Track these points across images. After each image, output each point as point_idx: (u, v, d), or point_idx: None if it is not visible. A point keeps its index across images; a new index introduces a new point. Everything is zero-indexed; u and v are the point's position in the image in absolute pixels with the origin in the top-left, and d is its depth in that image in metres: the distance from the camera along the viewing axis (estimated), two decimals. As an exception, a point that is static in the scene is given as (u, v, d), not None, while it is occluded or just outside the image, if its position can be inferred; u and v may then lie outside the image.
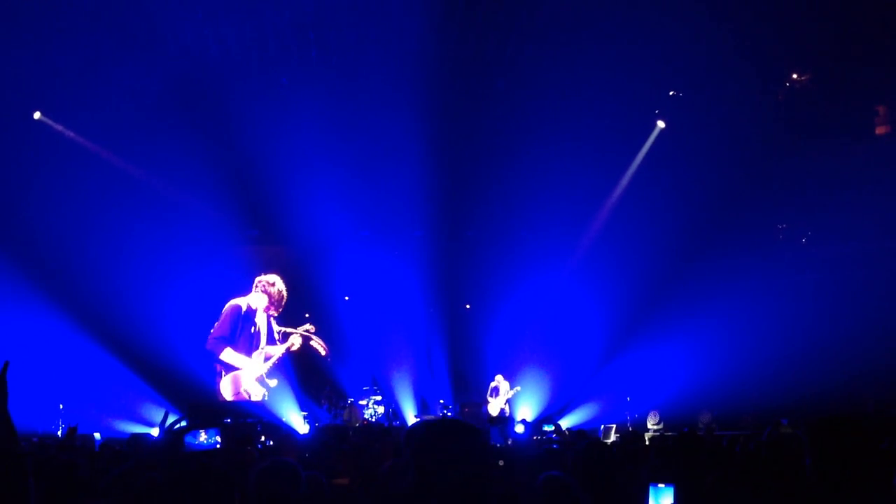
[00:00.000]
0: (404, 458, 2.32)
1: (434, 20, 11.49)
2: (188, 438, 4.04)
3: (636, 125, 14.54)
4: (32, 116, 12.67)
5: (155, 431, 4.83)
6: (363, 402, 14.15)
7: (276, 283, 10.32)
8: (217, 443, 4.13)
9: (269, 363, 9.60)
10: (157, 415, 8.51)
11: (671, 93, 13.70)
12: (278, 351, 9.89)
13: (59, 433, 10.93)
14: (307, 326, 10.37)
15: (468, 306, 16.66)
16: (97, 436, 9.14)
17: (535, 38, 12.30)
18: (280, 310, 10.41)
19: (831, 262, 14.01)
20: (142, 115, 12.12)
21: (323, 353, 10.14)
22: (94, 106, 12.27)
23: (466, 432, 2.41)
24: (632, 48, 12.26)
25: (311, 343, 10.09)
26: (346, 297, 15.90)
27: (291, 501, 3.38)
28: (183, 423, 3.94)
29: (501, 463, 4.40)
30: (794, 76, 13.34)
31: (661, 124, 14.38)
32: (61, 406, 11.76)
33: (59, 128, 12.72)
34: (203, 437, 4.23)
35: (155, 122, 12.16)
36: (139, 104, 11.98)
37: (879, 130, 14.40)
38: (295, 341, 10.17)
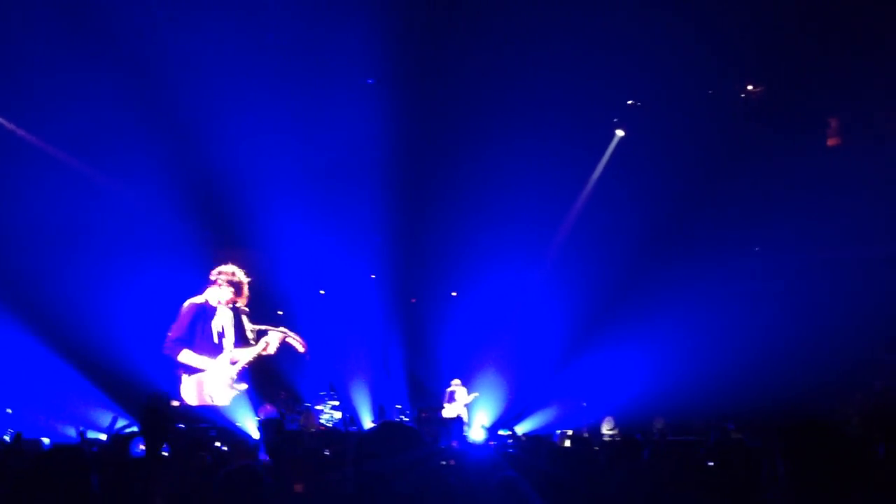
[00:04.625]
0: (349, 464, 2.34)
1: (394, 25, 11.46)
2: (132, 447, 3.99)
3: (599, 133, 14.66)
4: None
5: (103, 436, 4.76)
6: (320, 408, 14.08)
7: (235, 272, 9.40)
8: (165, 449, 4.07)
9: (237, 367, 8.94)
10: (106, 419, 8.34)
11: (629, 102, 13.85)
12: (248, 355, 9.11)
13: (7, 438, 10.67)
14: (282, 330, 9.46)
15: (413, 300, 16.68)
16: (45, 441, 8.94)
17: (496, 44, 12.33)
18: (248, 299, 9.54)
19: (783, 272, 14.30)
20: (96, 113, 11.86)
21: (302, 350, 9.47)
22: (45, 105, 11.97)
23: (402, 434, 2.43)
24: (593, 57, 12.36)
25: (288, 340, 9.34)
26: (322, 292, 15.83)
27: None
28: (133, 429, 3.89)
29: (453, 462, 4.43)
30: (749, 88, 13.56)
31: (620, 133, 14.53)
32: (9, 411, 11.48)
33: (10, 126, 12.41)
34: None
35: (110, 122, 11.91)
36: (92, 102, 11.72)
37: (831, 142, 14.70)
38: (271, 341, 9.26)
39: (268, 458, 5.16)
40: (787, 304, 13.54)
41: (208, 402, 8.92)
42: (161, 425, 4.11)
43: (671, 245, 14.27)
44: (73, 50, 11.02)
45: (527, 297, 15.75)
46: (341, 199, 14.74)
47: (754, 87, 13.66)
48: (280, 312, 13.70)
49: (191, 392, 8.90)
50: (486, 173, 14.26)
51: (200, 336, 8.97)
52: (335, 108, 13.00)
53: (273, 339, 9.26)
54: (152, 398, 4.22)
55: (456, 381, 14.75)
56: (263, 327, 9.43)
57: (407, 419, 14.30)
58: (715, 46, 12.03)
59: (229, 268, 9.45)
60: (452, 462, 4.44)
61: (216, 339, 9.09)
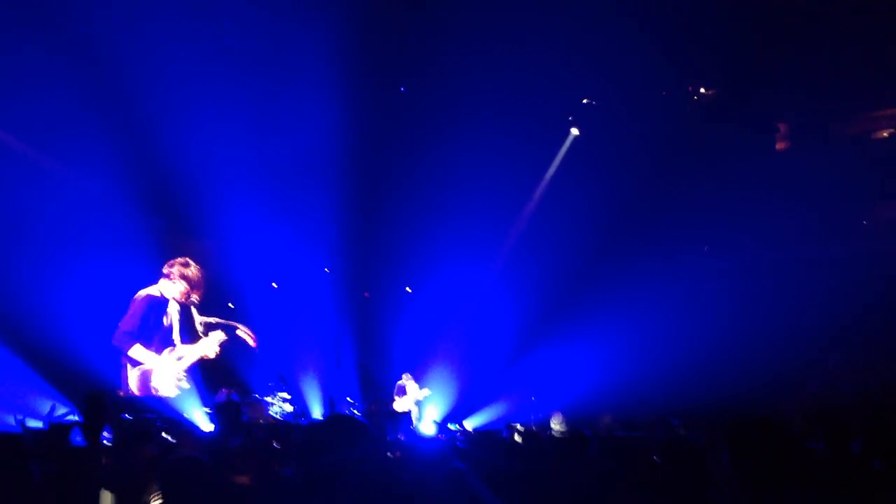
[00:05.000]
0: (296, 455, 2.34)
1: (352, 21, 11.40)
2: (73, 436, 3.92)
3: (553, 131, 14.76)
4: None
5: (41, 424, 4.67)
6: (269, 399, 13.94)
7: (190, 264, 9.08)
8: (101, 440, 4.00)
9: (183, 363, 8.72)
10: (45, 407, 8.13)
11: (584, 101, 13.97)
12: (195, 352, 8.84)
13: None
14: (219, 336, 9.09)
15: (367, 294, 16.66)
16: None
17: (452, 42, 12.34)
18: (202, 292, 9.18)
19: (731, 272, 14.58)
20: (49, 101, 11.58)
21: (252, 344, 9.22)
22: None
23: (351, 427, 2.43)
24: (548, 55, 12.44)
25: (238, 333, 9.08)
26: (274, 285, 15.68)
27: (198, 498, 3.32)
28: (72, 417, 3.81)
29: (398, 454, 4.44)
30: (702, 90, 13.78)
31: (574, 131, 14.65)
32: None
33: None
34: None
35: (63, 110, 11.63)
36: (45, 90, 11.44)
37: (779, 146, 15.02)
38: (209, 347, 8.94)
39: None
40: (734, 304, 13.82)
41: (153, 394, 8.73)
42: (101, 415, 4.04)
43: (622, 244, 14.46)
44: (27, 35, 10.77)
45: (479, 293, 15.83)
46: (296, 193, 14.64)
47: (706, 90, 13.89)
48: (231, 305, 13.55)
49: (136, 383, 8.68)
50: (442, 170, 14.29)
51: (152, 329, 8.71)
52: (291, 102, 12.89)
53: (213, 343, 8.93)
54: (95, 389, 4.14)
55: (407, 375, 14.72)
56: (213, 320, 9.15)
57: (357, 412, 14.25)
58: (669, 47, 12.19)
59: (184, 261, 9.08)
60: (398, 454, 4.44)
61: (166, 333, 8.86)
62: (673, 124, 13.70)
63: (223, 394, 11.61)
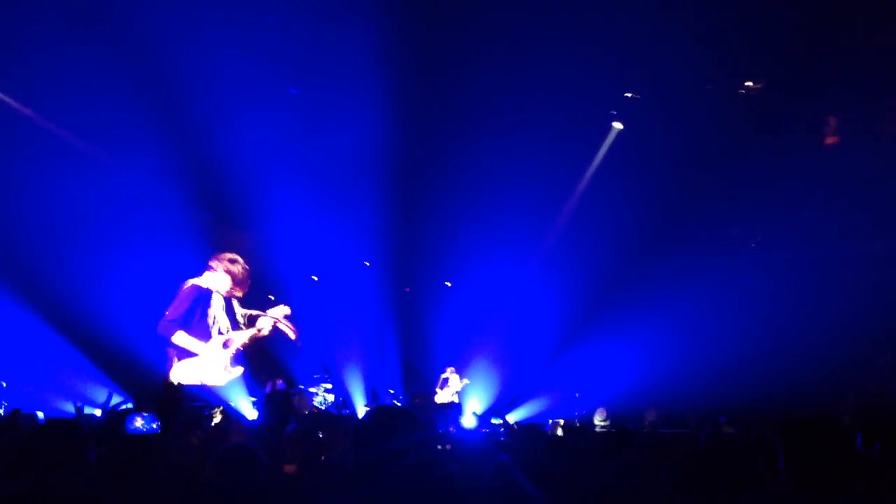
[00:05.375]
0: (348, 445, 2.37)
1: (391, 17, 11.45)
2: (128, 423, 4.01)
3: (596, 126, 14.66)
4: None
5: (98, 412, 4.79)
6: (313, 390, 14.11)
7: (238, 261, 9.19)
8: (153, 429, 4.10)
9: (230, 350, 8.80)
10: (102, 395, 8.30)
11: (627, 95, 13.85)
12: (242, 337, 8.95)
13: (1, 412, 10.71)
14: (282, 309, 9.22)
15: (407, 289, 16.73)
16: (40, 415, 8.97)
17: (494, 37, 12.33)
18: (245, 289, 9.31)
19: (779, 268, 14.35)
20: (103, 99, 11.86)
21: (293, 336, 9.28)
22: (45, 82, 11.95)
23: (402, 418, 2.46)
24: (591, 50, 12.35)
25: (279, 325, 9.16)
26: (315, 278, 15.85)
27: (249, 486, 3.39)
28: (127, 406, 3.91)
29: (449, 447, 4.46)
30: (748, 84, 13.56)
31: (618, 126, 14.53)
32: (4, 384, 11.51)
33: (10, 101, 12.39)
34: (139, 422, 4.19)
35: (117, 107, 11.91)
36: (100, 87, 11.71)
37: (829, 141, 14.74)
38: (264, 325, 9.08)
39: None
40: (782, 300, 13.61)
41: (200, 383, 8.82)
42: (176, 407, 4.15)
43: (667, 239, 14.31)
44: (84, 37, 11.04)
45: (521, 288, 15.80)
46: (339, 188, 14.76)
47: (753, 84, 13.67)
48: (272, 297, 13.69)
49: (183, 374, 8.78)
50: (483, 165, 14.28)
51: (196, 318, 8.81)
52: (335, 99, 13.00)
53: (266, 324, 9.07)
54: (168, 384, 4.24)
55: (451, 369, 14.80)
56: (255, 312, 9.25)
57: (399, 404, 14.36)
58: (714, 41, 12.03)
59: (231, 255, 9.17)
60: (449, 447, 4.47)
61: (210, 323, 8.95)
62: (718, 118, 13.53)
63: (270, 385, 11.75)
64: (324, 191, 14.69)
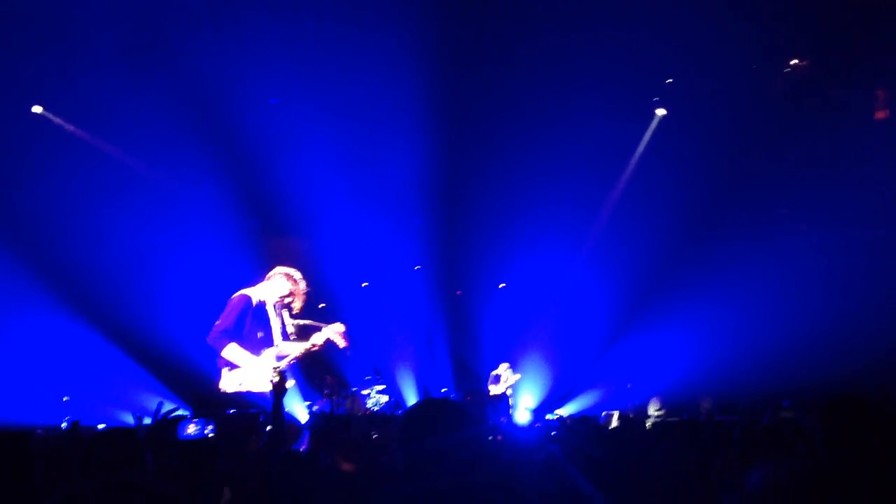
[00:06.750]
0: (397, 442, 2.36)
1: (432, 7, 11.48)
2: (180, 429, 4.06)
3: (639, 113, 14.52)
4: (31, 110, 12.64)
5: (148, 421, 4.88)
6: (366, 392, 14.22)
7: (297, 280, 9.05)
8: (205, 434, 4.14)
9: (285, 362, 8.76)
10: (153, 404, 8.44)
11: (668, 80, 13.68)
12: (295, 350, 8.90)
13: (65, 425, 10.98)
14: (337, 327, 9.09)
15: (459, 293, 16.74)
16: (101, 427, 9.18)
17: (536, 25, 12.29)
18: (302, 304, 9.18)
19: (831, 249, 14.03)
20: (154, 111, 12.15)
21: (342, 345, 9.16)
22: (95, 102, 12.27)
23: (449, 411, 2.45)
24: (632, 35, 12.23)
25: (331, 337, 9.03)
26: (365, 284, 15.97)
27: (309, 487, 3.45)
28: (180, 412, 3.98)
29: (500, 438, 4.47)
30: (793, 62, 13.30)
31: (661, 112, 14.37)
32: (66, 398, 11.81)
33: (59, 121, 12.73)
34: (192, 428, 4.22)
35: (167, 119, 12.18)
36: (152, 100, 12.01)
37: (879, 115, 14.37)
38: (318, 340, 8.96)
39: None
40: (833, 282, 13.30)
41: (254, 391, 8.77)
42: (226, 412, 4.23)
43: (715, 224, 14.10)
44: (135, 56, 11.36)
45: (570, 280, 15.71)
46: (387, 191, 14.87)
47: (798, 62, 13.41)
48: (322, 305, 13.78)
49: (233, 385, 8.70)
50: (527, 159, 14.24)
51: (247, 330, 8.75)
52: (383, 97, 13.08)
53: (320, 339, 8.96)
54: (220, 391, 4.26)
55: (504, 365, 14.78)
56: (307, 322, 9.16)
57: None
58: (756, 20, 11.83)
59: (289, 273, 9.06)
60: (500, 438, 4.47)
61: (264, 335, 8.88)
62: (763, 98, 13.29)
63: (328, 389, 11.81)
64: (372, 196, 14.83)
